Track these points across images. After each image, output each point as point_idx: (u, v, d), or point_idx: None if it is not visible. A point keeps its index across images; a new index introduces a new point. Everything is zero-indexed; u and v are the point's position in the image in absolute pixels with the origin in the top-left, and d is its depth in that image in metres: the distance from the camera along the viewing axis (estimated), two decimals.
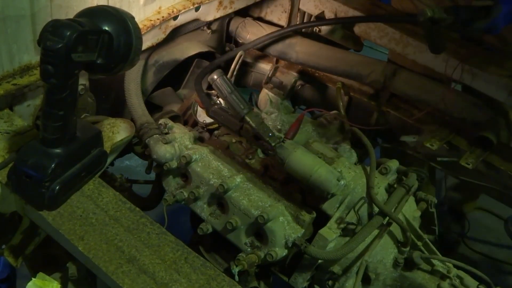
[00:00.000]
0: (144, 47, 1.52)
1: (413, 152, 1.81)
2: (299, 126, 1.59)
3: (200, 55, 1.93)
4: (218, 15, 1.88)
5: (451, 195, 2.79)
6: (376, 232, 1.36)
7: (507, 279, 2.96)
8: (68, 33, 0.97)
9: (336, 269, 1.40)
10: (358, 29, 1.91)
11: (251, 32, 2.04)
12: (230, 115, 1.55)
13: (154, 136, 1.53)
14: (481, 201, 2.81)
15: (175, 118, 1.77)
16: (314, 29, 2.02)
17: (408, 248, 1.39)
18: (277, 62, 2.14)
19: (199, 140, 1.67)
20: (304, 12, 2.05)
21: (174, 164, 1.52)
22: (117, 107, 1.73)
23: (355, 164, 1.58)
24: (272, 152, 1.43)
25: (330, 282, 1.44)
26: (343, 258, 1.37)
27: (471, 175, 1.71)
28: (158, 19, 1.59)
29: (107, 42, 1.06)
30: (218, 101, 1.68)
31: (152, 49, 1.70)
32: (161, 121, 1.62)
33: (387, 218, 1.35)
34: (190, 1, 1.70)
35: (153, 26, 1.58)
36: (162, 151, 1.51)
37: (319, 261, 1.38)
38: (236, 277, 1.32)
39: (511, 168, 1.66)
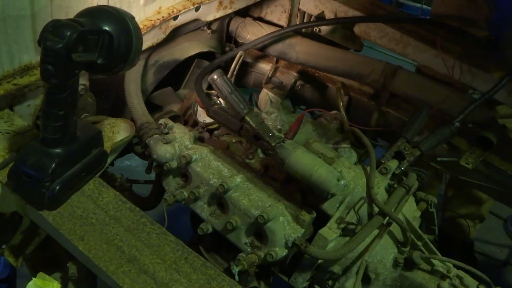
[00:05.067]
0: (144, 47, 1.52)
1: None
2: (299, 126, 1.59)
3: (200, 55, 1.93)
4: (218, 15, 1.88)
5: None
6: (376, 232, 1.36)
7: (507, 279, 2.97)
8: (68, 33, 0.97)
9: (336, 269, 1.40)
10: (358, 29, 1.91)
11: (251, 32, 2.04)
12: (230, 115, 1.55)
13: (154, 136, 1.53)
14: None
15: (175, 118, 1.77)
16: (314, 29, 2.02)
17: (408, 248, 1.39)
18: (277, 62, 2.14)
19: (199, 140, 1.67)
20: (304, 12, 2.06)
21: (174, 164, 1.52)
22: (117, 107, 1.73)
23: (355, 164, 1.58)
24: (272, 152, 1.43)
25: (330, 282, 1.44)
26: (343, 258, 1.37)
27: (471, 175, 1.71)
28: (158, 19, 1.59)
29: (107, 42, 1.06)
30: (218, 101, 1.68)
31: (152, 49, 1.70)
32: (161, 121, 1.62)
33: (387, 218, 1.35)
34: (190, 1, 1.70)
35: (153, 26, 1.58)
36: (162, 151, 1.51)
37: (319, 261, 1.38)
38: (236, 277, 1.32)
39: (511, 168, 1.66)
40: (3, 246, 1.40)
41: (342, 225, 1.37)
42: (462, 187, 2.67)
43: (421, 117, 1.60)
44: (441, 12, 2.07)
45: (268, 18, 2.12)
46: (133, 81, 1.62)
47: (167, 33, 1.67)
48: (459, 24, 1.85)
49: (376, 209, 1.36)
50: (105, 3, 1.43)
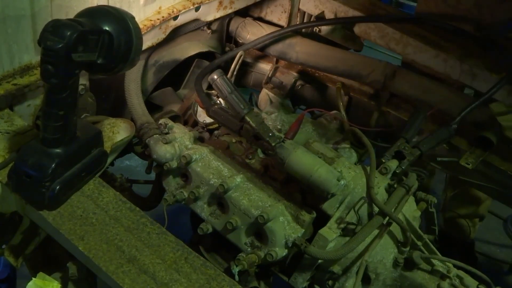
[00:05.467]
0: (144, 47, 1.52)
1: None
2: (299, 126, 1.59)
3: (200, 55, 1.94)
4: (218, 15, 1.88)
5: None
6: (376, 232, 1.36)
7: (507, 279, 2.97)
8: (68, 33, 0.97)
9: (336, 269, 1.40)
10: (358, 29, 1.91)
11: (251, 32, 2.04)
12: (230, 115, 1.55)
13: (154, 136, 1.53)
14: None
15: (175, 118, 1.77)
16: (314, 29, 2.02)
17: (408, 248, 1.39)
18: (277, 62, 2.14)
19: (199, 140, 1.67)
20: (304, 12, 2.06)
21: (174, 164, 1.52)
22: (117, 107, 1.73)
23: (355, 164, 1.58)
24: (272, 152, 1.43)
25: (330, 282, 1.44)
26: (343, 258, 1.37)
27: (471, 175, 1.71)
28: (158, 19, 1.59)
29: (108, 42, 1.06)
30: (218, 101, 1.69)
31: (152, 49, 1.70)
32: (161, 121, 1.62)
33: (387, 218, 1.35)
34: (190, 1, 1.70)
35: (153, 26, 1.58)
36: (162, 151, 1.51)
37: (319, 261, 1.38)
38: (236, 277, 1.32)
39: (511, 168, 1.66)
40: (3, 246, 1.40)
41: (342, 225, 1.37)
42: (462, 187, 2.67)
43: (420, 118, 1.60)
44: (425, 11, 2.05)
45: (268, 18, 2.12)
46: (133, 81, 1.62)
47: (167, 33, 1.67)
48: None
49: (376, 209, 1.36)
50: (105, 3, 1.43)
